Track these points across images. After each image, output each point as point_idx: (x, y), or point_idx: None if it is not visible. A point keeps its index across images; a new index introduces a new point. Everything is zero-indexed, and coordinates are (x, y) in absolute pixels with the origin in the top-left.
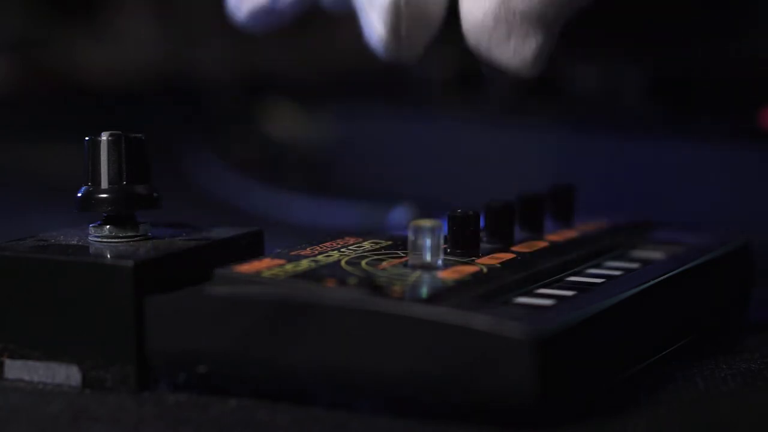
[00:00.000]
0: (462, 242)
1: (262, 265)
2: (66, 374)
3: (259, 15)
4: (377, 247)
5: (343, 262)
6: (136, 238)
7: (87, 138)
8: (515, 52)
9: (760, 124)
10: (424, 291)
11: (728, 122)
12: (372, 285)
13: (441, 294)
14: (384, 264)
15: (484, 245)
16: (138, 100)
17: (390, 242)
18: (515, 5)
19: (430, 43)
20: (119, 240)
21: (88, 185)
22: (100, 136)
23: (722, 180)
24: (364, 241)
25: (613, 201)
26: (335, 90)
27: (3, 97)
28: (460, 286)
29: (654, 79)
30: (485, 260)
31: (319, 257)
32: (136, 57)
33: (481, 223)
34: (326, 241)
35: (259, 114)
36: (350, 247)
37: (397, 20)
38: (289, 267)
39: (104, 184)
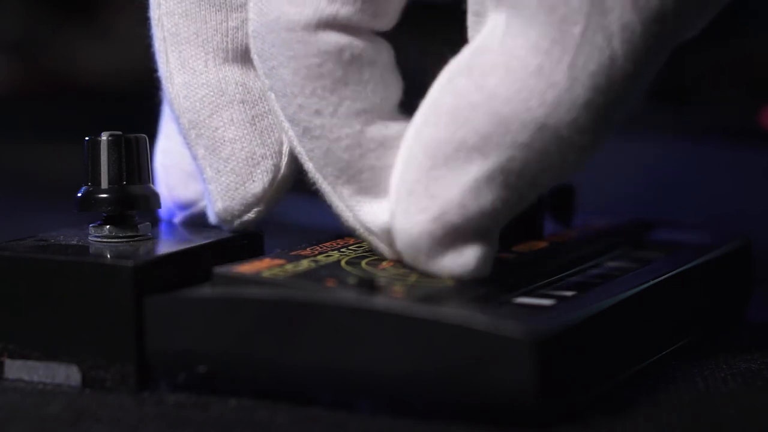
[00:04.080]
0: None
1: (262, 265)
2: (66, 374)
3: (194, 220)
4: None
5: (343, 262)
6: (136, 238)
7: (87, 138)
8: (455, 264)
9: (760, 124)
10: (424, 291)
11: (728, 122)
12: (372, 285)
13: (441, 294)
14: (384, 264)
15: None
16: (138, 100)
17: None
18: (451, 220)
19: None
20: (119, 240)
21: (88, 185)
22: (100, 136)
23: (722, 180)
24: (364, 241)
25: (613, 201)
26: None
27: (3, 97)
28: (460, 286)
29: (654, 78)
30: None
31: (319, 257)
32: (136, 57)
33: None
34: (326, 241)
35: None
36: (350, 247)
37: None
38: (289, 267)
39: (104, 184)
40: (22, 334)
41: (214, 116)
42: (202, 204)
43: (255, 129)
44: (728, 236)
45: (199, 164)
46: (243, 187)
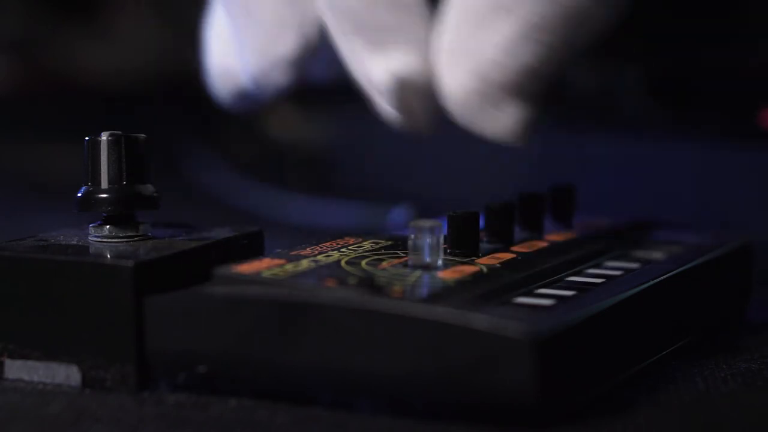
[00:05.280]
0: (462, 242)
1: (262, 265)
2: (66, 374)
3: (241, 98)
4: (377, 247)
5: (343, 262)
6: (136, 238)
7: (87, 138)
8: (498, 123)
9: (760, 124)
10: (424, 291)
11: (728, 122)
12: (372, 285)
13: (441, 294)
14: (384, 264)
15: (484, 245)
16: (138, 100)
17: (390, 242)
18: (492, 77)
19: (443, 112)
20: (119, 240)
21: (88, 185)
22: (100, 136)
23: (722, 180)
24: (364, 241)
25: (613, 201)
26: (335, 90)
27: (3, 97)
28: (460, 286)
29: (654, 79)
30: (485, 260)
31: (319, 257)
32: (136, 57)
33: (481, 224)
34: (326, 241)
35: (259, 114)
36: (350, 247)
37: (402, 99)
38: (289, 267)
39: (104, 184)
40: (22, 334)
41: None
42: (241, 69)
43: None
44: (728, 236)
45: (235, 27)
46: (274, 48)
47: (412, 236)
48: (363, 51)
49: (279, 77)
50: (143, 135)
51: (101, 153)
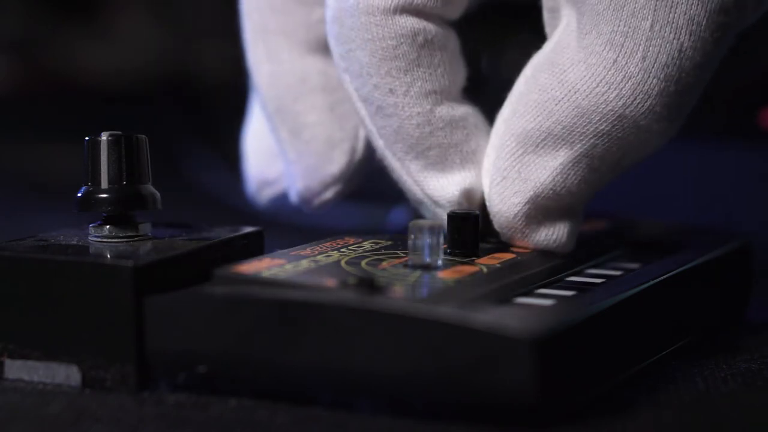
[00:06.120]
0: (462, 242)
1: (262, 265)
2: (66, 374)
3: (278, 201)
4: (377, 247)
5: (343, 262)
6: (136, 238)
7: (87, 138)
8: (547, 239)
9: (760, 124)
10: (424, 291)
11: (728, 122)
12: (372, 285)
13: (441, 294)
14: (384, 264)
15: (484, 245)
16: (138, 100)
17: (390, 242)
18: (543, 201)
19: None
20: (119, 240)
21: (88, 185)
22: (100, 136)
23: (722, 180)
24: (364, 241)
25: (614, 201)
26: None
27: (3, 97)
28: (460, 286)
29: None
30: (485, 260)
31: (319, 257)
32: (136, 57)
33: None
34: (326, 241)
35: None
36: (350, 247)
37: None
38: (289, 267)
39: (104, 184)
40: (22, 334)
41: (297, 102)
42: (284, 182)
43: (334, 114)
44: (728, 236)
45: (282, 146)
46: (322, 168)
47: (412, 236)
48: (419, 173)
49: (326, 194)
50: (143, 135)
51: (101, 153)
